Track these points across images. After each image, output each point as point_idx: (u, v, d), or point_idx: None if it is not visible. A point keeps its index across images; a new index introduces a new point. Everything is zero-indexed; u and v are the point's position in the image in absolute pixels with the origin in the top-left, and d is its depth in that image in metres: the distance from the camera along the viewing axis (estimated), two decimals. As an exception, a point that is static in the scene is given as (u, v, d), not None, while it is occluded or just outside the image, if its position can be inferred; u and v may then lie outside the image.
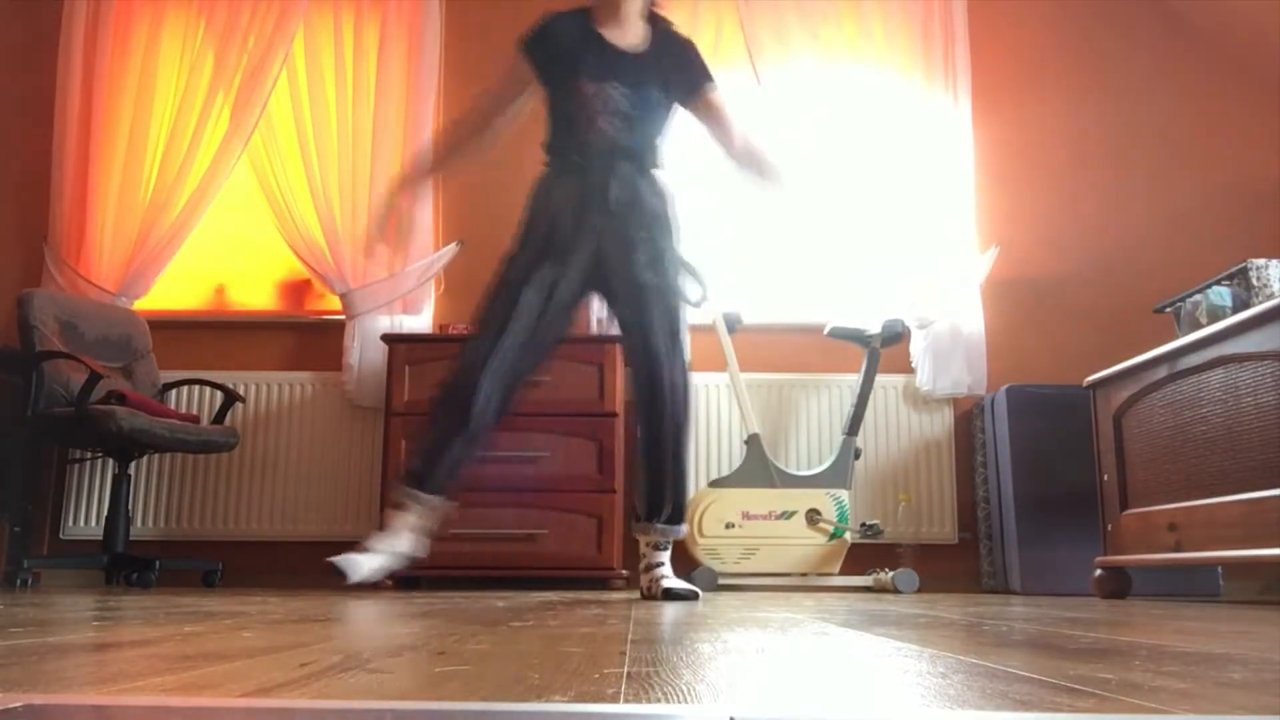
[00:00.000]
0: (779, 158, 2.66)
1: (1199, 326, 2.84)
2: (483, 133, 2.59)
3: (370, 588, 3.40)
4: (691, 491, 3.82)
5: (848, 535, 3.51)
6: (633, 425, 2.58)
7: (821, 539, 3.49)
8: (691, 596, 2.42)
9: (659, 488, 2.49)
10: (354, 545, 3.81)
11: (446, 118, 4.19)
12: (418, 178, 2.61)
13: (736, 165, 2.65)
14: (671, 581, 2.46)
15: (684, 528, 2.56)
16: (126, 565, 3.40)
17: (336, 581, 2.28)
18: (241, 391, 3.97)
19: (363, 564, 2.29)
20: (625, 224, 2.50)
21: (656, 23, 2.60)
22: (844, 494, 3.54)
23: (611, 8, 2.53)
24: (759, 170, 2.64)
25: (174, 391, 3.97)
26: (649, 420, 2.48)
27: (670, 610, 1.86)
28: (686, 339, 2.56)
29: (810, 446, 3.95)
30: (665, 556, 2.53)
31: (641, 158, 2.53)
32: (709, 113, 2.61)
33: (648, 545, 2.53)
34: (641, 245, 2.50)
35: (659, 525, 2.50)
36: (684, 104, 2.61)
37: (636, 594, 2.82)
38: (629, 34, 2.55)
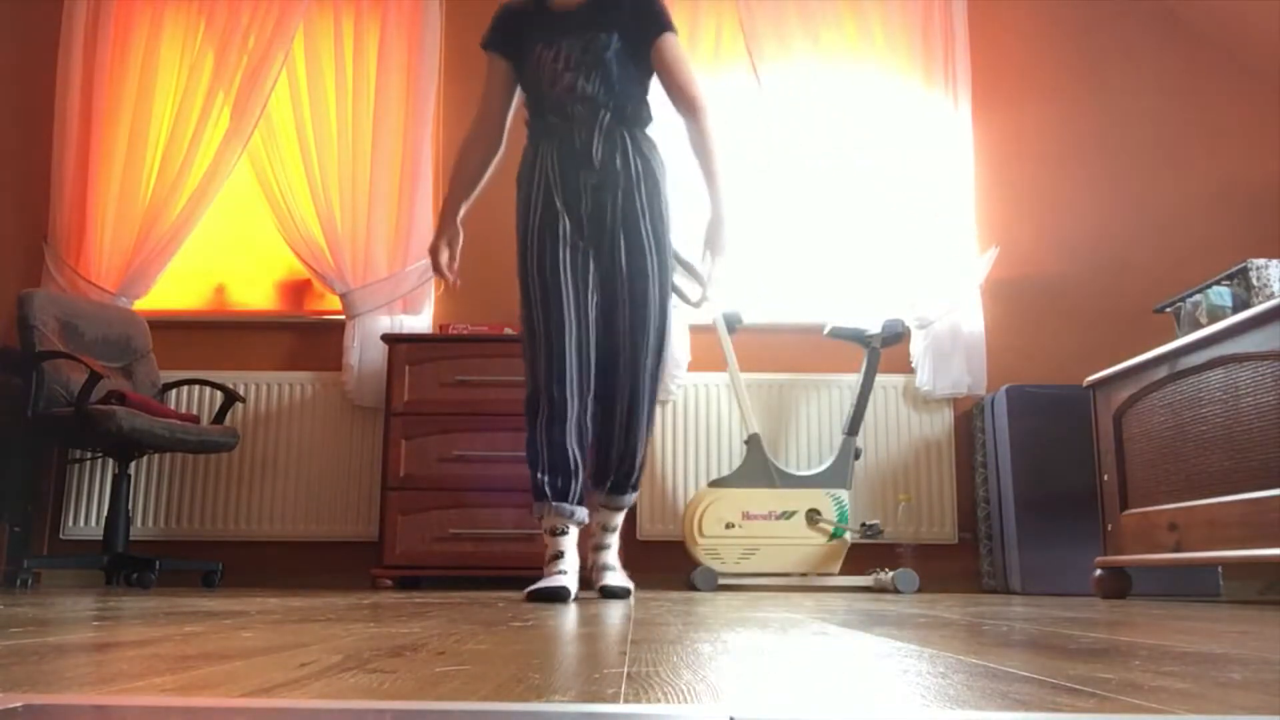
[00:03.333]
0: (722, 155, 2.56)
1: (1199, 326, 2.84)
2: (495, 141, 2.64)
3: (373, 589, 3.40)
4: (691, 491, 3.84)
5: (848, 535, 3.51)
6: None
7: (821, 539, 3.49)
8: (624, 595, 2.43)
9: (607, 450, 2.47)
10: (370, 546, 3.84)
11: (446, 117, 4.19)
12: (455, 210, 2.62)
13: (684, 125, 2.58)
14: (615, 577, 2.46)
15: (631, 496, 2.52)
16: (126, 565, 3.40)
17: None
18: (241, 391, 3.97)
19: (567, 585, 2.32)
20: (611, 181, 2.46)
21: None
22: (844, 494, 3.54)
23: None
24: (696, 153, 2.55)
25: (174, 391, 3.97)
26: (604, 382, 2.45)
27: (671, 611, 1.85)
28: (670, 308, 2.51)
29: (810, 446, 3.95)
30: (612, 539, 2.53)
31: (620, 111, 2.48)
32: (659, 64, 2.53)
33: (596, 520, 2.53)
34: (626, 208, 2.46)
35: (607, 495, 2.51)
36: (638, 54, 2.53)
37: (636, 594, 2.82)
38: None
